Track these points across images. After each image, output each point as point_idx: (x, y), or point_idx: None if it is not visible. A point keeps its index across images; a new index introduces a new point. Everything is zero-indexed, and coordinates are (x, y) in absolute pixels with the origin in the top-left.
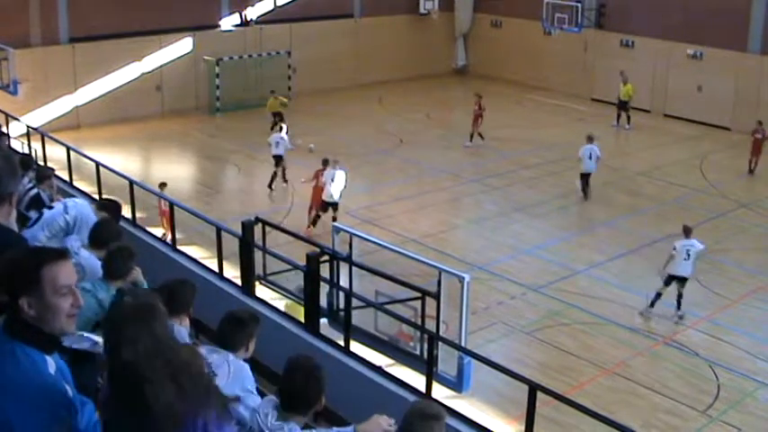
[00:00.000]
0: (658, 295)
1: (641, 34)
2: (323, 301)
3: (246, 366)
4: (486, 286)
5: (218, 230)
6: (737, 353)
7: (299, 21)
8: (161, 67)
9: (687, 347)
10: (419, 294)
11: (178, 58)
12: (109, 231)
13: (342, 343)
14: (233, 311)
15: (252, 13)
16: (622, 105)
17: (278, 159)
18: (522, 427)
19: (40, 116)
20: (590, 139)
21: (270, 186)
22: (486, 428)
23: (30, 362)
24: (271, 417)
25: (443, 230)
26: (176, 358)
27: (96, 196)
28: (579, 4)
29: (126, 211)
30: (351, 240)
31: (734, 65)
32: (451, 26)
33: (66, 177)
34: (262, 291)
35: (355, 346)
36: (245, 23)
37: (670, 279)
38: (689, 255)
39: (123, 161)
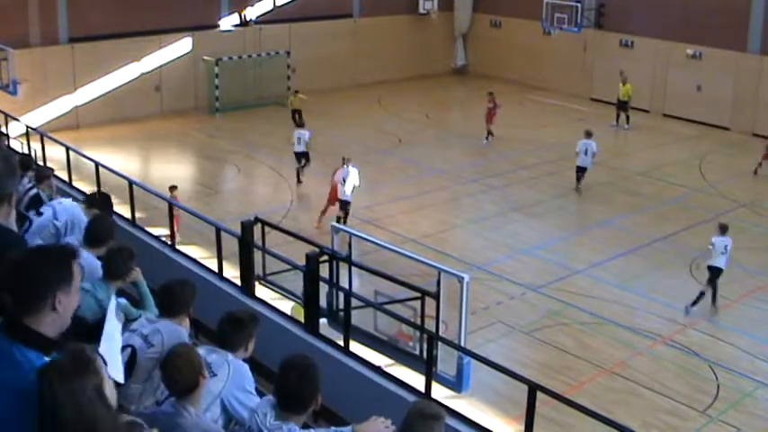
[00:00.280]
0: (702, 294)
1: (641, 34)
2: (322, 302)
3: (246, 366)
4: (486, 286)
5: (218, 230)
6: (737, 353)
7: (298, 21)
8: (160, 67)
9: (686, 347)
10: (418, 294)
11: (177, 58)
12: (104, 229)
13: (341, 343)
14: (232, 311)
15: (251, 13)
16: (622, 105)
17: (299, 156)
18: (522, 427)
19: (40, 116)
20: (588, 135)
21: (298, 180)
22: (485, 428)
23: (28, 364)
24: (269, 417)
25: (443, 230)
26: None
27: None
28: (579, 4)
29: (125, 212)
30: (350, 240)
31: (733, 65)
32: (451, 26)
33: (66, 177)
34: (261, 291)
35: (355, 346)
36: (244, 23)
37: (710, 271)
38: (726, 249)
39: (122, 161)
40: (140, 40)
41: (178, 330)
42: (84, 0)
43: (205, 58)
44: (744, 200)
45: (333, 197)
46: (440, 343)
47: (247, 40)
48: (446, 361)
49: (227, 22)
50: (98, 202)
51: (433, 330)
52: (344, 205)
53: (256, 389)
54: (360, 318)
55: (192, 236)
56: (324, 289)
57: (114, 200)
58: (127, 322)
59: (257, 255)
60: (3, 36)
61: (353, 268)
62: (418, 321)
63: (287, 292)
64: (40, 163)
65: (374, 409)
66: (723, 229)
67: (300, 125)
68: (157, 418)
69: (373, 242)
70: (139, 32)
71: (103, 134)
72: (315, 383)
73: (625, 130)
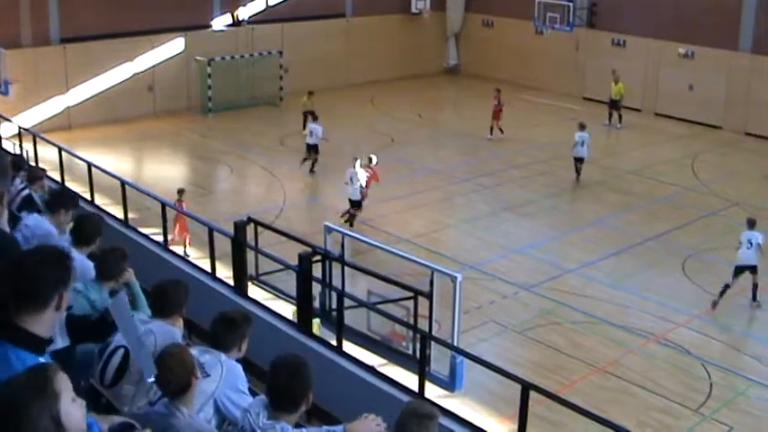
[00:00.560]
0: (727, 286)
1: (633, 33)
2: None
3: (239, 366)
4: (478, 286)
5: (211, 231)
6: (729, 351)
7: (290, 21)
8: (153, 67)
9: (679, 346)
10: (411, 294)
11: (170, 58)
12: (91, 227)
13: (334, 343)
14: (225, 312)
15: (243, 13)
16: (614, 104)
17: (311, 148)
18: (515, 426)
19: (32, 117)
20: (582, 127)
21: (311, 169)
22: (478, 428)
23: (23, 366)
24: (261, 416)
25: (435, 230)
26: None
27: (88, 196)
28: (571, 4)
29: (118, 212)
30: (343, 240)
31: (725, 64)
32: (443, 26)
33: (59, 178)
34: (254, 291)
35: (348, 346)
36: (236, 23)
37: (737, 270)
38: (751, 244)
39: (115, 162)
40: (133, 40)
41: (171, 331)
42: (75, 0)
43: (197, 58)
44: (736, 198)
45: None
46: (433, 342)
47: (240, 41)
48: (439, 360)
49: (220, 23)
50: (59, 201)
51: (426, 330)
52: (354, 204)
53: (249, 389)
54: (353, 318)
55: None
56: (317, 289)
57: (107, 200)
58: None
59: (250, 255)
60: None
61: (346, 268)
62: (411, 321)
63: (280, 293)
64: (33, 164)
65: (367, 409)
66: (751, 224)
67: (314, 118)
68: (150, 419)
69: (366, 242)
70: (132, 33)
71: (96, 134)
72: (306, 382)
73: (617, 130)
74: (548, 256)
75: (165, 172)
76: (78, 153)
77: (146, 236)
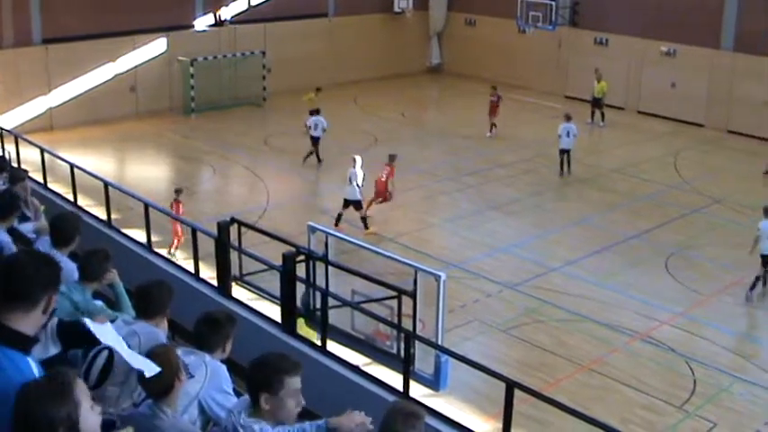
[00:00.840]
0: (758, 278)
1: (615, 32)
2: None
3: (223, 367)
4: (463, 284)
5: (194, 231)
6: (713, 348)
7: (273, 20)
8: (135, 67)
9: (663, 343)
10: (395, 293)
11: (152, 58)
12: (69, 227)
13: (318, 342)
14: (209, 312)
15: (226, 13)
16: (596, 102)
17: (315, 140)
18: (500, 425)
19: (13, 118)
20: (567, 118)
21: (304, 159)
22: (464, 426)
23: (12, 364)
24: (243, 415)
25: (419, 229)
26: None
27: (71, 197)
28: (553, 3)
29: (101, 213)
30: (327, 240)
31: (707, 62)
32: (426, 25)
33: (41, 179)
34: (238, 291)
35: (332, 346)
36: (219, 23)
37: (765, 259)
38: None
39: (97, 162)
40: (115, 40)
41: (155, 332)
42: (57, 1)
43: (180, 58)
44: (718, 196)
45: (381, 192)
46: (417, 341)
47: (222, 41)
48: (424, 359)
49: (202, 23)
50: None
51: (411, 329)
52: (355, 204)
53: (234, 389)
54: (337, 317)
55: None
56: (301, 289)
57: (90, 201)
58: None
59: (234, 255)
60: None
61: (330, 268)
62: (395, 320)
63: (264, 293)
64: (15, 165)
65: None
66: (767, 212)
67: (316, 112)
68: (134, 420)
69: (350, 241)
70: (114, 33)
71: (78, 135)
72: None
73: (600, 128)
74: (532, 254)
75: (147, 172)
76: (60, 154)
77: (129, 236)
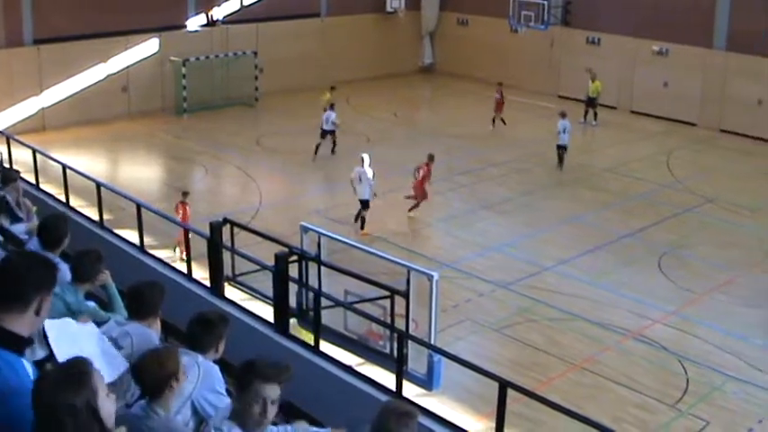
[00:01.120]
0: None
1: (607, 31)
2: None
3: (216, 368)
4: (455, 284)
5: (186, 232)
6: (705, 347)
7: (265, 21)
8: (127, 68)
9: (655, 342)
10: (388, 293)
11: (144, 58)
12: (60, 228)
13: (311, 342)
14: (202, 313)
15: (218, 13)
16: (590, 102)
17: (326, 133)
18: (493, 424)
19: (5, 118)
20: (563, 115)
21: (315, 152)
22: (457, 426)
23: (7, 365)
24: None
25: (412, 229)
26: None
27: (63, 198)
28: (546, 2)
29: (93, 214)
30: (319, 240)
31: (699, 61)
32: (418, 24)
33: (33, 180)
34: (231, 292)
35: (325, 346)
36: (211, 24)
37: None
38: None
39: (90, 163)
40: (107, 40)
41: (147, 333)
42: (49, 1)
43: (172, 58)
44: (711, 195)
45: (420, 191)
46: (410, 341)
47: (214, 41)
48: (416, 359)
49: (194, 23)
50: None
51: (403, 329)
52: (363, 204)
53: (227, 390)
54: (330, 317)
55: (161, 237)
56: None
57: (82, 202)
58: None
59: (226, 255)
60: None
61: (323, 268)
62: (388, 320)
63: (256, 293)
64: (6, 166)
65: (345, 407)
66: None
67: (331, 107)
68: (126, 420)
69: (342, 241)
70: (106, 33)
71: (70, 136)
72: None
73: (593, 127)
74: (524, 253)
75: (139, 173)
76: (53, 154)
77: (121, 237)
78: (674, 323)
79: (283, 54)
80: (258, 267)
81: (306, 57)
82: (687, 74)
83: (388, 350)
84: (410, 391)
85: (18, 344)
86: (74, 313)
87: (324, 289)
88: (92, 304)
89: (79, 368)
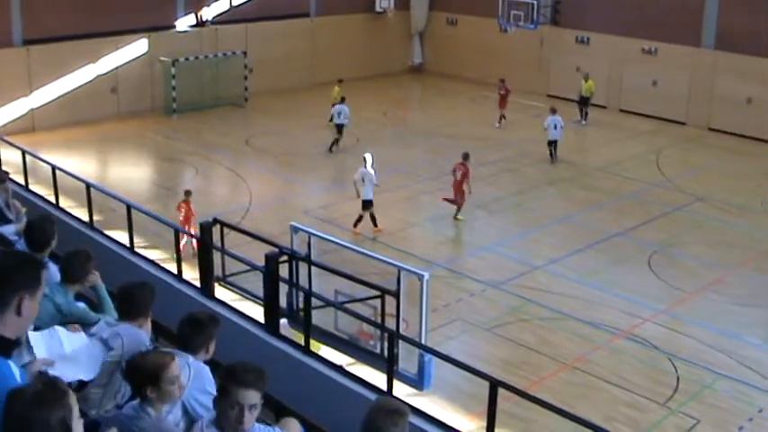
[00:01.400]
0: None
1: (596, 30)
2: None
3: (207, 368)
4: (446, 284)
5: (176, 232)
6: (696, 345)
7: (254, 21)
8: (116, 68)
9: (646, 341)
10: (379, 293)
11: (134, 59)
12: (47, 231)
13: (302, 343)
14: (192, 313)
15: (207, 13)
16: (584, 101)
17: (339, 128)
18: (484, 423)
19: None
20: (553, 111)
21: (330, 150)
22: (448, 425)
23: None
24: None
25: (402, 228)
26: None
27: (53, 199)
28: (535, 2)
29: (83, 215)
30: (309, 240)
31: (688, 60)
32: (407, 24)
33: (22, 181)
34: (221, 292)
35: (315, 346)
36: (200, 24)
37: None
38: None
39: (79, 164)
40: (96, 41)
41: (138, 333)
42: (38, 2)
43: (161, 58)
44: (700, 194)
45: (459, 190)
46: (401, 341)
47: (204, 41)
48: (407, 359)
49: (184, 23)
50: None
51: (394, 329)
52: (365, 205)
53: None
54: (320, 317)
55: (151, 238)
56: (284, 289)
57: (72, 203)
58: (86, 326)
59: (216, 256)
60: None
61: (313, 268)
62: (379, 320)
63: (247, 293)
64: None
65: (336, 408)
66: None
67: (342, 101)
68: (118, 421)
69: (333, 241)
70: (95, 34)
71: (60, 137)
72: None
73: (583, 126)
74: (515, 253)
75: (129, 173)
76: (42, 155)
77: (111, 238)
78: (664, 322)
79: (273, 54)
80: (248, 268)
81: (295, 57)
82: (676, 72)
83: (378, 350)
84: (401, 390)
85: (2, 346)
86: (63, 314)
87: (314, 289)
88: (81, 305)
89: (57, 385)
